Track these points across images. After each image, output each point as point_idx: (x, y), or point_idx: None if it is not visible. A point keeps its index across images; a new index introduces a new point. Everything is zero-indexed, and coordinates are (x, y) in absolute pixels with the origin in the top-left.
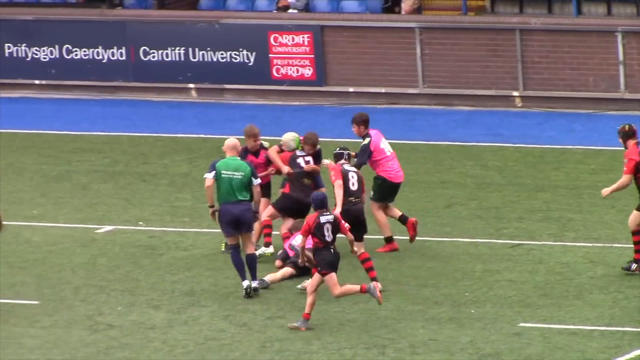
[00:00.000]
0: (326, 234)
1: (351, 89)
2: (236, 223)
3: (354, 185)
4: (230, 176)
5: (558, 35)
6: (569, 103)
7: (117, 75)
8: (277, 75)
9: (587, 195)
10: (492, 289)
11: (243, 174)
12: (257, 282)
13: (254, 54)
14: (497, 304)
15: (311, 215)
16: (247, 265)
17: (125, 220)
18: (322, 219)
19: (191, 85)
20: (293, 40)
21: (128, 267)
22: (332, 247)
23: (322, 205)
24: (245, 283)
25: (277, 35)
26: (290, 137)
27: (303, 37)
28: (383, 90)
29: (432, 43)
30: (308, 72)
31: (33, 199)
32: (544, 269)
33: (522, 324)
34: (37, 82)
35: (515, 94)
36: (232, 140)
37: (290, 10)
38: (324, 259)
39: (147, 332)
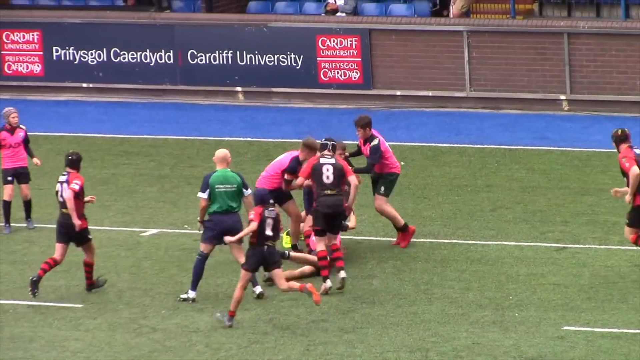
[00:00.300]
0: (267, 229)
1: (398, 93)
2: (226, 234)
3: (328, 179)
4: (224, 190)
5: (606, 39)
6: (616, 106)
7: (164, 78)
8: (324, 78)
9: None
10: (536, 292)
11: (235, 185)
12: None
13: (301, 57)
14: (541, 307)
15: (257, 208)
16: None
17: (170, 223)
18: (266, 213)
19: (238, 89)
20: (341, 44)
21: (172, 270)
22: (267, 244)
23: (262, 200)
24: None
25: (324, 38)
26: None
27: (351, 41)
28: (430, 93)
29: (480, 46)
30: (355, 75)
31: None
32: (588, 272)
33: (565, 328)
34: (84, 85)
35: (563, 97)
36: (222, 152)
37: (338, 14)
38: (253, 256)
39: (190, 336)
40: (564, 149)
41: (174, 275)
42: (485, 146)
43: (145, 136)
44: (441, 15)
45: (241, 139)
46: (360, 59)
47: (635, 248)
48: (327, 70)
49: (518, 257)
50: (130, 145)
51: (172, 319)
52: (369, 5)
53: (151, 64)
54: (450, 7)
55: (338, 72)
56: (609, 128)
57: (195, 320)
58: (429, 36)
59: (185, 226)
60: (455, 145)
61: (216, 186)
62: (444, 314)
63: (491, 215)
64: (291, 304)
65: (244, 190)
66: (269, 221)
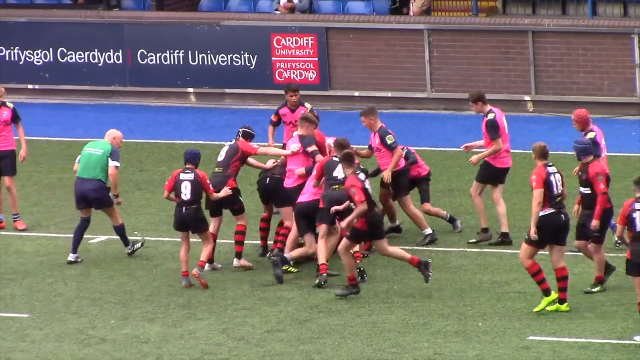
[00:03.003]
0: (183, 191)
1: (357, 93)
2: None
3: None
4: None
5: (572, 37)
6: (583, 107)
7: (113, 79)
8: (279, 79)
9: None
10: (500, 301)
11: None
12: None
13: (255, 56)
14: (505, 316)
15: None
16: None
17: None
18: (181, 176)
19: (190, 90)
20: (296, 43)
21: (122, 279)
22: (185, 206)
23: (186, 159)
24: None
25: (280, 37)
26: None
27: (307, 40)
28: (389, 94)
29: (441, 45)
30: (312, 75)
31: (24, 208)
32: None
33: (531, 337)
34: (30, 86)
35: (527, 98)
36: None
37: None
38: (175, 216)
39: (141, 346)
40: (529, 151)
41: (124, 283)
42: (447, 149)
43: (93, 139)
44: (401, 13)
45: (193, 142)
46: (316, 59)
47: (606, 254)
48: (282, 71)
49: (481, 265)
50: (78, 149)
51: (121, 329)
52: (325, 2)
53: (99, 65)
54: (410, 5)
55: (294, 73)
56: (575, 130)
57: (146, 330)
58: (388, 35)
59: (135, 233)
60: (416, 148)
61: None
62: (404, 323)
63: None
64: (245, 314)
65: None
66: (186, 183)
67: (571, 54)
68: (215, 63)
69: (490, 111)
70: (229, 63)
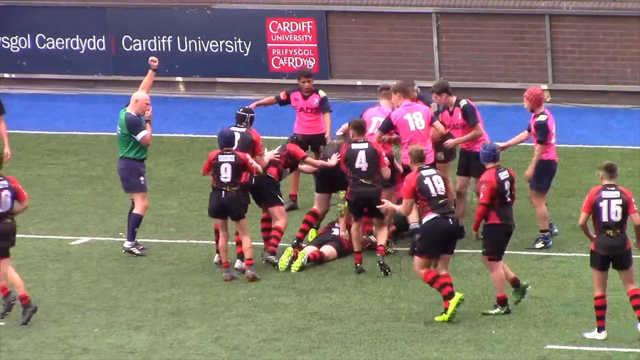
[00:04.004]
0: (223, 173)
1: (359, 82)
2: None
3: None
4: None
5: (592, 21)
6: (604, 97)
7: (96, 67)
8: (275, 67)
9: (635, 204)
10: (515, 307)
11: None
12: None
13: (249, 43)
14: (521, 323)
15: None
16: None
17: (103, 230)
18: (221, 158)
19: (179, 79)
20: (294, 28)
21: (106, 284)
22: (224, 188)
23: (224, 143)
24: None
25: (276, 22)
26: None
27: (305, 24)
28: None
29: (451, 30)
30: (311, 63)
31: None
32: (574, 284)
33: (549, 346)
34: (6, 75)
35: (544, 87)
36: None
37: None
38: (210, 201)
39: (126, 357)
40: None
41: (108, 289)
42: None
43: (74, 133)
44: None
45: (182, 135)
46: (315, 45)
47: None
48: (278, 58)
49: None
50: (58, 143)
51: (105, 338)
52: None
53: (81, 52)
54: None
55: (291, 60)
56: (596, 121)
57: (132, 339)
58: (393, 19)
59: (120, 234)
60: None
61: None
62: (411, 331)
63: (463, 220)
64: (239, 321)
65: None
66: (226, 165)
67: (591, 40)
68: (206, 50)
69: (461, 100)
70: (221, 50)
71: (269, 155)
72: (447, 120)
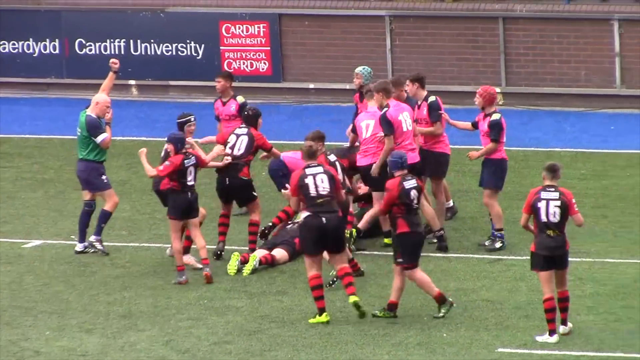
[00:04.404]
0: (189, 177)
1: (312, 86)
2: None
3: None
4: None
5: (546, 24)
6: (557, 100)
7: (49, 71)
8: (229, 70)
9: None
10: (467, 310)
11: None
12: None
13: (202, 46)
14: (472, 326)
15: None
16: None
17: (55, 233)
18: (186, 163)
19: (132, 82)
20: (247, 31)
21: (58, 287)
22: (190, 190)
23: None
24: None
25: (229, 25)
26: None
27: (258, 27)
28: (348, 86)
29: (404, 33)
30: (264, 66)
31: None
32: (525, 287)
33: (500, 349)
34: None
35: (497, 90)
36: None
37: None
38: (176, 202)
39: None
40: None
41: (60, 292)
42: None
43: (27, 136)
44: None
45: (135, 138)
46: (269, 48)
47: (577, 260)
48: (231, 61)
49: (446, 270)
50: (11, 146)
51: (57, 341)
52: None
53: (34, 55)
54: None
55: (244, 63)
56: (548, 124)
57: (84, 342)
58: (346, 22)
59: (72, 237)
60: None
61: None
62: (363, 334)
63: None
64: (191, 324)
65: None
66: (191, 169)
67: (545, 42)
68: (159, 53)
69: (430, 96)
70: (174, 53)
71: (215, 150)
72: (416, 113)
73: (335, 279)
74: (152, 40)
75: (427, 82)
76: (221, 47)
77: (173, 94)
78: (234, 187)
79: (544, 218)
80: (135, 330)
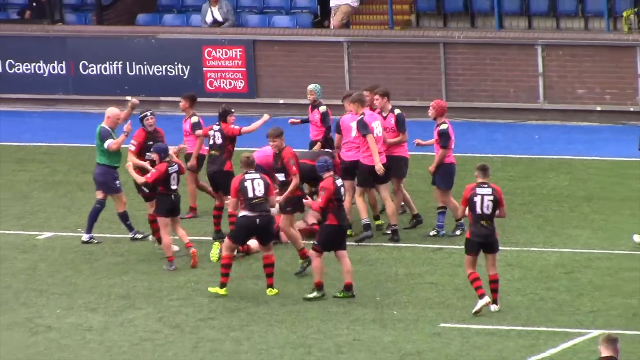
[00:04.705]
0: (172, 182)
1: (281, 101)
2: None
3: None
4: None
5: (480, 48)
6: (490, 113)
7: (57, 88)
8: (210, 87)
9: (506, 201)
10: (414, 291)
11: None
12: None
13: (188, 67)
14: (419, 305)
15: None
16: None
17: (64, 227)
18: (170, 170)
19: (128, 98)
20: (226, 54)
21: (67, 272)
22: (174, 193)
23: (165, 154)
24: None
25: (210, 49)
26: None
27: (235, 51)
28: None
29: (360, 56)
30: (240, 84)
31: None
32: (463, 272)
33: (442, 325)
34: None
35: None
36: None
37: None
38: (164, 204)
39: (84, 334)
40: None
41: (68, 276)
42: None
43: (39, 144)
44: (322, 26)
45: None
46: (244, 69)
47: (507, 249)
48: (213, 80)
49: (396, 258)
50: (26, 153)
51: (66, 318)
52: (252, 17)
53: (44, 75)
54: (331, 19)
55: (223, 82)
56: (483, 134)
57: (89, 319)
58: (310, 47)
59: (79, 230)
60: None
61: None
62: (326, 312)
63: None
64: (180, 303)
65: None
66: (174, 175)
67: (479, 64)
68: (151, 73)
69: (396, 109)
70: (164, 73)
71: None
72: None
73: (304, 267)
74: (145, 62)
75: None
76: (204, 68)
77: (164, 108)
78: (216, 177)
79: (479, 210)
80: (133, 308)
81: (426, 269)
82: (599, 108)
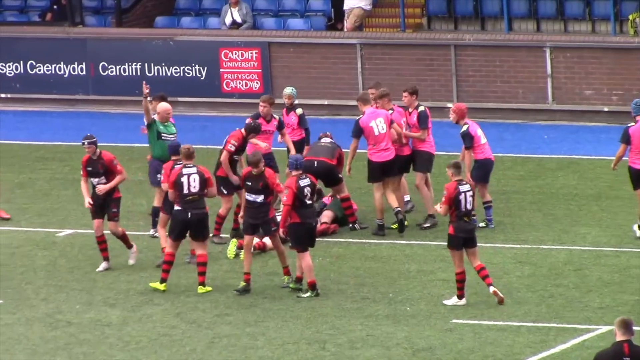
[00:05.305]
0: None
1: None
2: None
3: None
4: None
5: (490, 51)
6: (500, 114)
7: (77, 88)
8: (227, 88)
9: (516, 200)
10: (426, 288)
11: None
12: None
13: (205, 68)
14: (431, 301)
15: (171, 166)
16: None
17: (84, 224)
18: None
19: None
20: (242, 56)
21: (86, 268)
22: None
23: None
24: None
25: (227, 51)
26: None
27: (251, 53)
28: (326, 102)
29: (372, 58)
30: (256, 85)
31: None
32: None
33: (454, 321)
34: (2, 95)
35: (450, 105)
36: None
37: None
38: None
39: (103, 329)
40: (451, 153)
41: (88, 273)
42: None
43: (59, 143)
44: (336, 29)
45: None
46: (260, 70)
47: (517, 246)
48: (229, 81)
49: (409, 255)
50: (46, 152)
51: (86, 313)
52: (268, 19)
53: (65, 76)
54: (345, 22)
55: (240, 83)
56: (493, 134)
57: (108, 314)
58: (324, 49)
59: None
60: (346, 150)
61: None
62: (340, 308)
63: (386, 218)
64: (197, 300)
65: None
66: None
67: (489, 66)
68: (169, 74)
69: (420, 106)
70: (182, 74)
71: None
72: (407, 119)
73: (288, 284)
74: (163, 64)
75: (392, 99)
76: (221, 70)
77: (181, 109)
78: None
79: (463, 208)
80: (151, 304)
81: (438, 265)
82: (606, 109)
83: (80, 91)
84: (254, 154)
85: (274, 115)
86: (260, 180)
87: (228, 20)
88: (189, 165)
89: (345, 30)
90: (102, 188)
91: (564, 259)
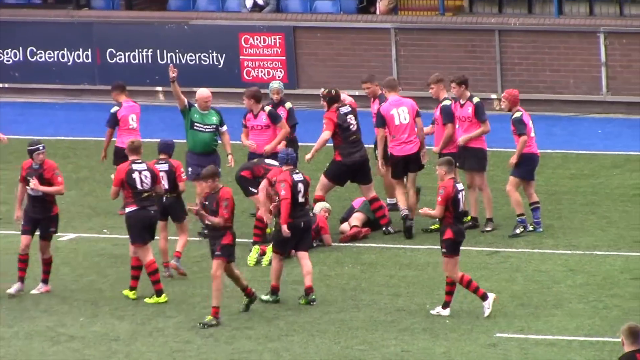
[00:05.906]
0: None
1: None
2: None
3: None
4: None
5: (538, 36)
6: (549, 106)
7: (82, 78)
8: (247, 77)
9: (567, 201)
10: (467, 298)
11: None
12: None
13: (223, 55)
14: (473, 313)
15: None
16: None
17: (89, 227)
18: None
19: (159, 88)
20: (264, 42)
21: (91, 277)
22: (165, 195)
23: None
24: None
25: (247, 36)
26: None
27: (274, 39)
28: (357, 93)
29: (408, 44)
30: (279, 74)
31: None
32: (521, 277)
33: (498, 335)
34: (0, 85)
35: (494, 96)
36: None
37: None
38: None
39: (110, 344)
40: (495, 149)
41: (93, 281)
42: None
43: (63, 138)
44: (368, 12)
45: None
46: (284, 58)
47: (569, 252)
48: (250, 69)
49: None
50: (48, 147)
51: (91, 326)
52: (293, 1)
53: (69, 63)
54: (377, 4)
55: (262, 71)
56: (541, 128)
57: (116, 328)
58: (355, 34)
59: (105, 231)
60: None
61: None
62: (372, 321)
63: (420, 218)
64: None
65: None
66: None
67: (537, 53)
68: (183, 62)
69: (474, 97)
70: (197, 62)
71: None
72: (456, 111)
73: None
74: (177, 50)
75: (430, 89)
76: (241, 57)
77: None
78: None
79: (461, 208)
80: (163, 317)
81: (481, 274)
82: None
83: (86, 81)
84: (209, 167)
85: (264, 109)
86: (213, 200)
87: (249, 2)
88: (137, 161)
89: (378, 13)
90: (37, 184)
91: (620, 266)
